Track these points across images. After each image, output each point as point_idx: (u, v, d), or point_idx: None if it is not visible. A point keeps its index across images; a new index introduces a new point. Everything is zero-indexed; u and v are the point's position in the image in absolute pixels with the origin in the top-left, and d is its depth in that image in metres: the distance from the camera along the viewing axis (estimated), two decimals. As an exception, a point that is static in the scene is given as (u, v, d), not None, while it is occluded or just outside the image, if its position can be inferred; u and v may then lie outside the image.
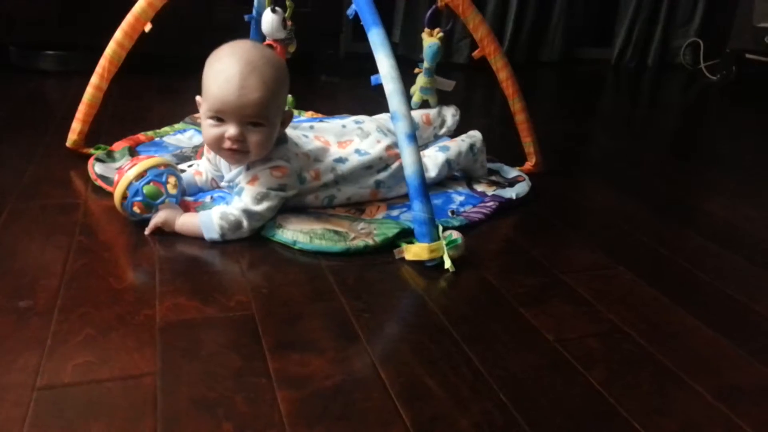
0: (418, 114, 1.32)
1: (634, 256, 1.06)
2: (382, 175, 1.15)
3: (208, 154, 1.11)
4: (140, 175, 0.98)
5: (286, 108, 1.04)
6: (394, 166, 1.15)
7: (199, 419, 0.62)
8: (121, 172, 0.99)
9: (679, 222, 1.23)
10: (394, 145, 1.16)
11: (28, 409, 0.62)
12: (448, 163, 1.22)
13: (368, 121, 1.23)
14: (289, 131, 1.10)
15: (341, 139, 1.16)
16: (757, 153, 1.86)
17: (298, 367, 0.71)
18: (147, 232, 0.98)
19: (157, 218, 0.98)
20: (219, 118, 0.96)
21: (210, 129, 0.97)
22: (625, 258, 1.04)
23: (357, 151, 1.14)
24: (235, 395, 0.65)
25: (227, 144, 0.97)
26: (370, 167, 1.14)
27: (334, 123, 1.22)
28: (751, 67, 2.73)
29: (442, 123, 1.35)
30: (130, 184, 0.97)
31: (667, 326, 0.86)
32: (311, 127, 1.18)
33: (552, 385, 0.72)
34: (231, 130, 0.96)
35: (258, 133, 0.97)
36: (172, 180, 1.02)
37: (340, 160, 1.11)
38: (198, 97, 1.00)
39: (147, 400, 0.64)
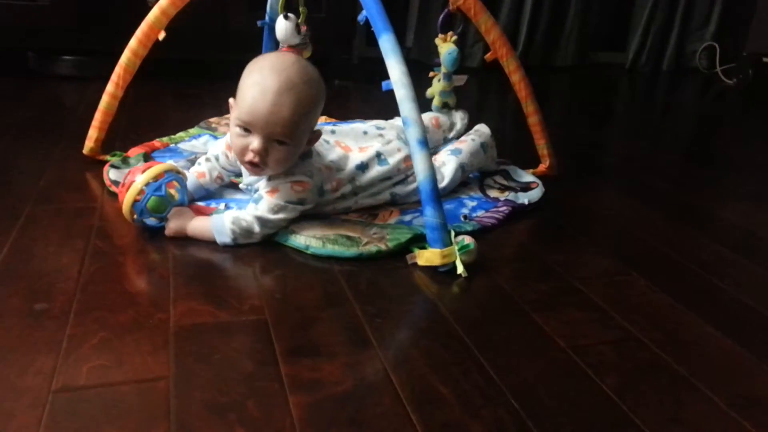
0: (427, 117, 1.32)
1: (648, 262, 1.05)
2: (399, 188, 1.15)
3: (228, 150, 1.10)
4: (141, 192, 0.97)
5: (317, 127, 1.04)
6: (411, 179, 1.15)
7: (211, 423, 0.62)
8: (121, 192, 0.99)
9: (695, 228, 1.22)
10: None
11: (43, 412, 0.62)
12: (461, 167, 1.22)
13: (389, 128, 1.24)
14: None
15: (362, 145, 1.16)
16: (774, 158, 1.84)
17: (310, 372, 0.71)
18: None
19: (168, 230, 0.99)
20: (246, 128, 0.96)
21: (236, 138, 0.97)
22: (639, 264, 1.03)
23: (378, 155, 1.14)
24: (248, 400, 0.66)
25: (249, 156, 0.96)
26: (388, 178, 1.14)
27: (356, 126, 1.22)
28: (768, 71, 2.71)
29: (452, 126, 1.34)
30: (134, 203, 0.97)
31: (681, 334, 0.85)
32: (332, 132, 1.18)
33: (565, 392, 0.71)
34: (255, 143, 0.95)
35: (281, 151, 0.96)
36: (173, 185, 1.02)
37: (362, 166, 1.11)
38: (231, 100, 0.99)
39: (160, 404, 0.64)
